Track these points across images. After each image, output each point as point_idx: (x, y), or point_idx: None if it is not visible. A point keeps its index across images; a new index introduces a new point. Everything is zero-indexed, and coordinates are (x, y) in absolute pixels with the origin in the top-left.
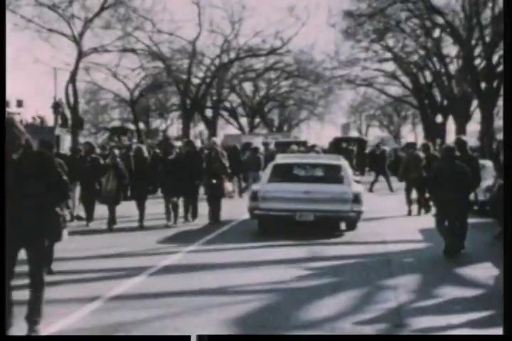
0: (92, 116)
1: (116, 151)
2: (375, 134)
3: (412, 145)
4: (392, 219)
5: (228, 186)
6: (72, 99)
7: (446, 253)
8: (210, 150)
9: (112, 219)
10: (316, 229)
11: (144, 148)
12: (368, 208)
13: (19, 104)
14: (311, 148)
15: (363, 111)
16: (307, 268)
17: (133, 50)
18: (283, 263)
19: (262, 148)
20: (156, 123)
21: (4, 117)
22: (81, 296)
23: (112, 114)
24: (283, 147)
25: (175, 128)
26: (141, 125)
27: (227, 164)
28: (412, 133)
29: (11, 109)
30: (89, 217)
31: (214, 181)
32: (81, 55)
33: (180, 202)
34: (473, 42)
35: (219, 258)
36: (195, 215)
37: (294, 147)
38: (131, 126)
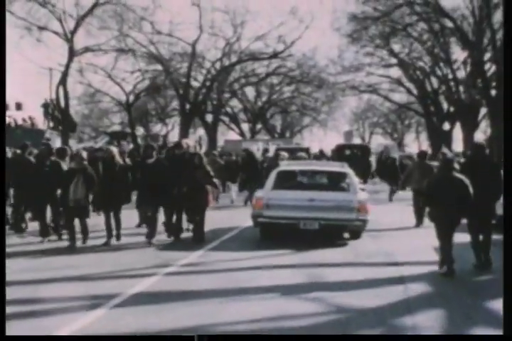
0: (92, 120)
1: (84, 153)
2: (378, 142)
3: (423, 155)
4: (401, 231)
5: (210, 197)
6: (63, 101)
7: (448, 275)
8: (188, 156)
9: (85, 234)
10: (320, 238)
11: (115, 150)
12: (373, 218)
13: (18, 106)
14: (320, 155)
15: (367, 118)
16: (305, 299)
17: (129, 51)
18: (276, 291)
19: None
20: (157, 128)
21: (4, 117)
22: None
23: (112, 118)
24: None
25: (176, 134)
26: (141, 130)
27: (211, 172)
28: (416, 141)
29: (11, 111)
30: (44, 232)
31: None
32: (72, 53)
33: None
34: (483, 46)
35: (200, 283)
36: (177, 229)
37: (302, 154)
38: (137, 132)
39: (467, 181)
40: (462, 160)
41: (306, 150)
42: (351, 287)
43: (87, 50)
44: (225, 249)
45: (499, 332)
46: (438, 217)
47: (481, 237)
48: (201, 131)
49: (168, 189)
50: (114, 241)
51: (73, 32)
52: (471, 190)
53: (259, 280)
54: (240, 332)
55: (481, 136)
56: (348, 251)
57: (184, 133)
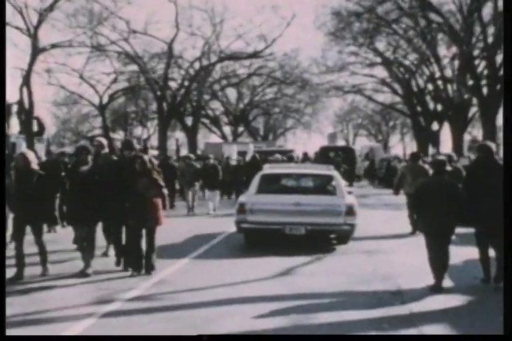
0: (73, 124)
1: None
2: (362, 143)
3: (415, 156)
4: (396, 241)
5: (160, 213)
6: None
7: (434, 291)
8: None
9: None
10: (306, 246)
11: (32, 155)
12: (364, 226)
13: None
14: (304, 158)
15: (351, 120)
16: None
17: (101, 49)
18: None
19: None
20: (138, 131)
21: (4, 117)
22: None
23: (93, 122)
24: (265, 156)
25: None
26: (121, 133)
27: (160, 181)
28: (401, 143)
29: None
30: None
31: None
32: (36, 51)
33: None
34: (472, 42)
35: (144, 328)
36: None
37: (278, 156)
38: (117, 135)
39: (458, 186)
40: (465, 162)
41: (290, 152)
42: (347, 329)
43: (53, 46)
44: (190, 272)
45: (499, 332)
46: (426, 225)
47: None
48: (179, 134)
49: (107, 204)
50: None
51: (36, 27)
52: (462, 195)
53: (222, 324)
54: (240, 332)
55: (469, 136)
56: (340, 274)
57: (163, 135)
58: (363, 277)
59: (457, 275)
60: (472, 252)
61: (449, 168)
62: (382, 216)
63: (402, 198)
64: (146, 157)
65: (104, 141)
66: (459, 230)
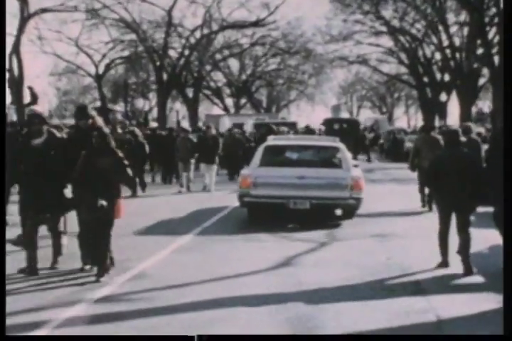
0: (74, 96)
1: None
2: (366, 115)
3: (428, 127)
4: (411, 224)
5: (120, 205)
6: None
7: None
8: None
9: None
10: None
11: None
12: (374, 205)
13: None
14: (307, 130)
15: (355, 91)
16: None
17: (94, 12)
18: None
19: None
20: (140, 103)
21: (4, 114)
22: None
23: (94, 93)
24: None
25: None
26: (122, 105)
27: (124, 160)
28: (405, 115)
29: None
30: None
31: (102, 203)
32: (25, 15)
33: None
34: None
35: None
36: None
37: (284, 128)
38: (116, 107)
39: (476, 158)
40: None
41: (293, 125)
42: None
43: (44, 11)
44: (176, 262)
45: (499, 332)
46: (441, 201)
47: None
48: (178, 106)
49: (59, 187)
50: None
51: None
52: (482, 169)
53: (209, 331)
54: (240, 332)
55: (475, 108)
56: (348, 265)
57: (162, 107)
58: (375, 269)
59: (481, 263)
60: (494, 235)
61: (463, 138)
62: (391, 191)
63: (411, 172)
64: (106, 129)
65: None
66: (479, 209)
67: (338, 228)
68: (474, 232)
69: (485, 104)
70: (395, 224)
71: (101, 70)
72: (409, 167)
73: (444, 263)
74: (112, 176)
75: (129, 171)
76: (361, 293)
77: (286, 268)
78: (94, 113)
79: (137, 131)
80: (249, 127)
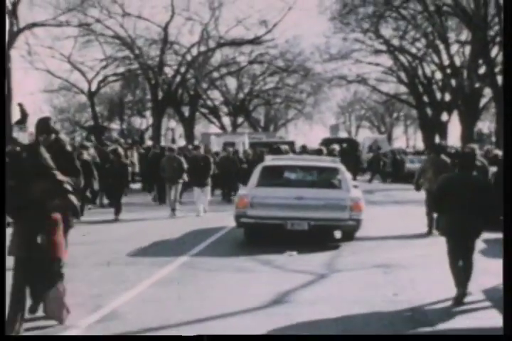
0: (70, 114)
1: None
2: (364, 135)
3: (438, 148)
4: (418, 251)
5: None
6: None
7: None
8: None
9: None
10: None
11: None
12: (377, 229)
13: None
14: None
15: (353, 111)
16: None
17: (87, 27)
18: None
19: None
20: (137, 122)
21: (4, 117)
22: None
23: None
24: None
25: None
26: (117, 123)
27: (65, 184)
28: (404, 135)
29: None
30: None
31: (39, 239)
32: (15, 30)
33: None
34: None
35: None
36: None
37: (285, 147)
38: (114, 125)
39: (490, 183)
40: None
41: (291, 144)
42: None
43: (34, 25)
44: (152, 299)
45: (499, 332)
46: (448, 226)
47: None
48: (174, 124)
49: None
50: None
51: (15, 3)
52: (494, 195)
53: None
54: (240, 332)
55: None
56: (351, 302)
57: (157, 125)
58: (382, 307)
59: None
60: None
61: (477, 162)
62: (393, 214)
63: (413, 194)
64: (42, 148)
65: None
66: (490, 235)
67: (337, 256)
68: (484, 261)
69: (484, 125)
70: (400, 252)
71: (95, 87)
72: (414, 186)
73: (462, 295)
74: (53, 204)
75: (72, 197)
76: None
77: (278, 306)
78: (57, 128)
79: (120, 150)
80: (240, 146)
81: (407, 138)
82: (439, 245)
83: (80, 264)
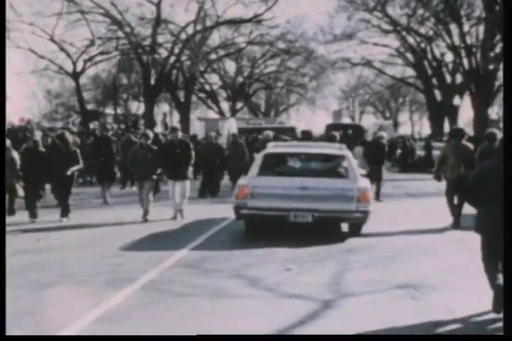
0: (65, 98)
1: None
2: (369, 121)
3: (460, 134)
4: (444, 264)
5: None
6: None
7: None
8: None
9: None
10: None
11: None
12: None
13: None
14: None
15: (357, 96)
16: None
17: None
18: None
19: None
20: (133, 106)
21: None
22: None
23: (87, 96)
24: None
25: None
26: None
27: None
28: (409, 121)
29: None
30: None
31: None
32: None
33: None
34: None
35: None
36: None
37: (269, 132)
38: (109, 110)
39: None
40: None
41: (291, 130)
42: None
43: None
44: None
45: (499, 332)
46: (484, 224)
47: None
48: (166, 108)
49: None
50: None
51: None
52: None
53: None
54: (240, 332)
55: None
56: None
57: (149, 109)
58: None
59: None
60: None
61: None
62: (409, 210)
63: (427, 185)
64: None
65: None
66: None
67: (346, 271)
68: None
69: (493, 110)
70: (425, 262)
71: (77, 66)
72: (433, 176)
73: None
74: None
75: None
76: None
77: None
78: None
79: (68, 135)
80: (225, 132)
81: (413, 124)
82: (470, 251)
83: (14, 284)
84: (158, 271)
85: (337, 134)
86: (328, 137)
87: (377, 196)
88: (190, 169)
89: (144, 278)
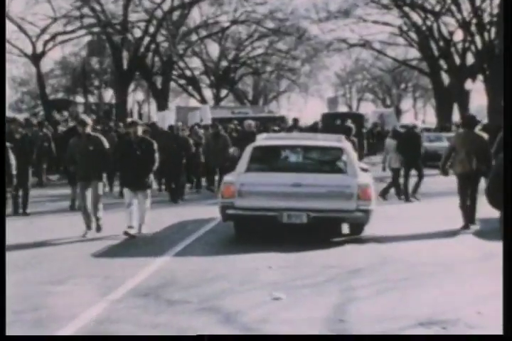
0: (31, 86)
1: None
2: (369, 109)
3: (472, 122)
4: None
5: None
6: None
7: None
8: None
9: None
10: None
11: None
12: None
13: None
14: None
15: (354, 81)
16: None
17: None
18: None
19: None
20: (108, 95)
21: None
22: None
23: (56, 83)
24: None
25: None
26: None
27: None
28: (412, 110)
29: None
30: None
31: None
32: None
33: None
34: None
35: None
36: None
37: (251, 122)
38: (80, 99)
39: None
40: None
41: (281, 119)
42: None
43: None
44: None
45: (499, 332)
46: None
47: None
48: (140, 96)
49: None
50: None
51: None
52: None
53: None
54: (240, 332)
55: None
56: None
57: (122, 97)
58: None
59: None
60: None
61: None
62: (418, 213)
63: (435, 181)
64: None
65: None
66: None
67: (352, 300)
68: None
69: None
70: (449, 288)
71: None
72: (440, 171)
73: None
74: None
75: None
76: None
77: None
78: None
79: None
80: (190, 121)
81: (416, 113)
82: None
83: None
84: (107, 303)
85: (352, 126)
86: (344, 129)
87: (414, 193)
88: (152, 176)
89: (86, 314)
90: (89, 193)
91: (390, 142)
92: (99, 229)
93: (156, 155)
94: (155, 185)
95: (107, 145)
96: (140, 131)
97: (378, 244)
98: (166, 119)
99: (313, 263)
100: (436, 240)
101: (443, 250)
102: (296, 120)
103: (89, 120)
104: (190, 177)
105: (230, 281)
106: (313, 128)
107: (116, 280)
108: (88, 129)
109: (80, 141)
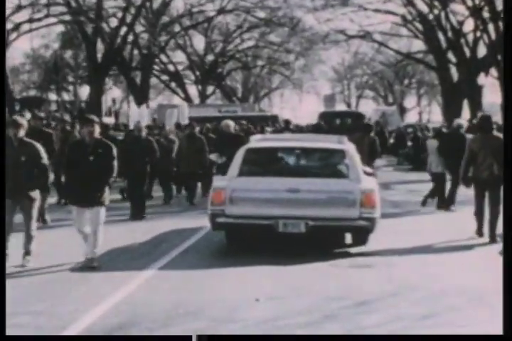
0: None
1: None
2: (370, 107)
3: (489, 124)
4: None
5: None
6: None
7: None
8: None
9: None
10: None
11: None
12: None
13: None
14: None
15: (353, 77)
16: None
17: None
18: None
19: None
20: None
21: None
22: None
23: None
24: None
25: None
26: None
27: None
28: (416, 108)
29: None
30: None
31: None
32: None
33: None
34: None
35: None
36: None
37: (230, 122)
38: (52, 96)
39: None
40: None
41: (274, 118)
42: None
43: None
44: None
45: (499, 332)
46: None
47: None
48: (117, 92)
49: None
50: None
51: None
52: None
53: None
54: (240, 333)
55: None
56: None
57: (96, 94)
58: None
59: None
60: None
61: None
62: (431, 228)
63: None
64: None
65: None
66: None
67: None
68: None
69: None
70: (481, 327)
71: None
72: (462, 181)
73: None
74: None
75: None
76: None
77: None
78: None
79: None
80: (170, 123)
81: (421, 111)
82: None
83: None
84: None
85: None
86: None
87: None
88: (108, 190)
89: None
90: (24, 214)
91: (432, 143)
92: (27, 254)
93: (115, 162)
94: None
95: (43, 155)
96: (97, 131)
97: (390, 267)
98: (144, 117)
99: (310, 293)
100: (459, 260)
101: (465, 272)
102: (287, 122)
103: (23, 120)
104: (165, 187)
105: (205, 320)
106: (317, 128)
107: (60, 321)
108: (22, 133)
109: (11, 148)
